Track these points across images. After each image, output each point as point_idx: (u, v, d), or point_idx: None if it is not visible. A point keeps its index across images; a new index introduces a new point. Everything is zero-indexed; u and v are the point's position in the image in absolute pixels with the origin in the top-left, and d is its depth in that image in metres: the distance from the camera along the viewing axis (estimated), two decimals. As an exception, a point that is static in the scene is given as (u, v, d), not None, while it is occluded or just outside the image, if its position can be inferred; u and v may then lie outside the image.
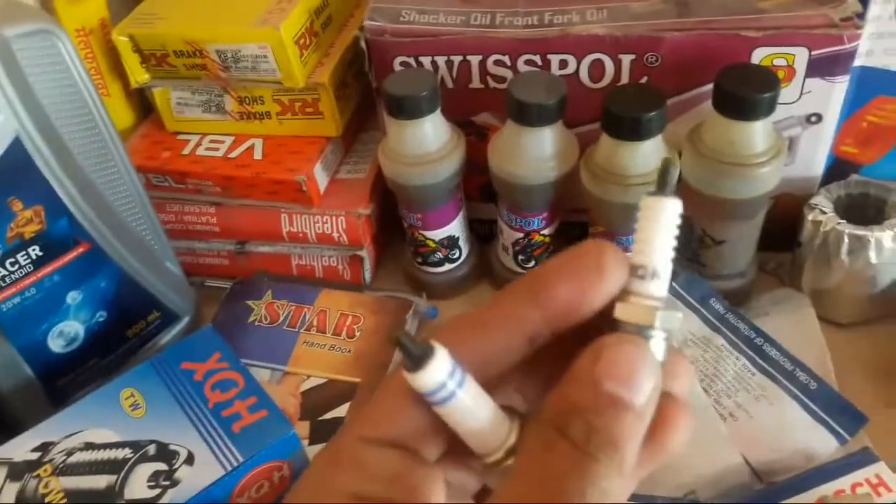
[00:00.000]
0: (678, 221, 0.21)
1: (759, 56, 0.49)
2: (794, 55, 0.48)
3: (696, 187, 0.50)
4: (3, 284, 0.46)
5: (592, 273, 0.20)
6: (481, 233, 0.61)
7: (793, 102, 0.51)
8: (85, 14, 0.57)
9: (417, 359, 0.20)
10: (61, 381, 0.52)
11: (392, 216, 0.62)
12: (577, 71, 0.51)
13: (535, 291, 0.21)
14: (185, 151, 0.59)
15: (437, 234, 0.56)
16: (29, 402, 0.51)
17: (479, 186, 0.58)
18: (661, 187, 0.21)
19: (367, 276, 0.61)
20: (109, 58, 0.59)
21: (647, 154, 0.47)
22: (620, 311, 0.20)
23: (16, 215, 0.45)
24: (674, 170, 0.21)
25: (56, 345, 0.51)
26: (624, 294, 0.21)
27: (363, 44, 0.52)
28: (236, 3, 0.56)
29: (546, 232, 0.55)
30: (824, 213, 0.51)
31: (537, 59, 0.50)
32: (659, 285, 0.20)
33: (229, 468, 0.43)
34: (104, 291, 0.52)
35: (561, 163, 0.50)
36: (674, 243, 0.21)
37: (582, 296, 0.20)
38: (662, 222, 0.20)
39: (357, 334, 0.56)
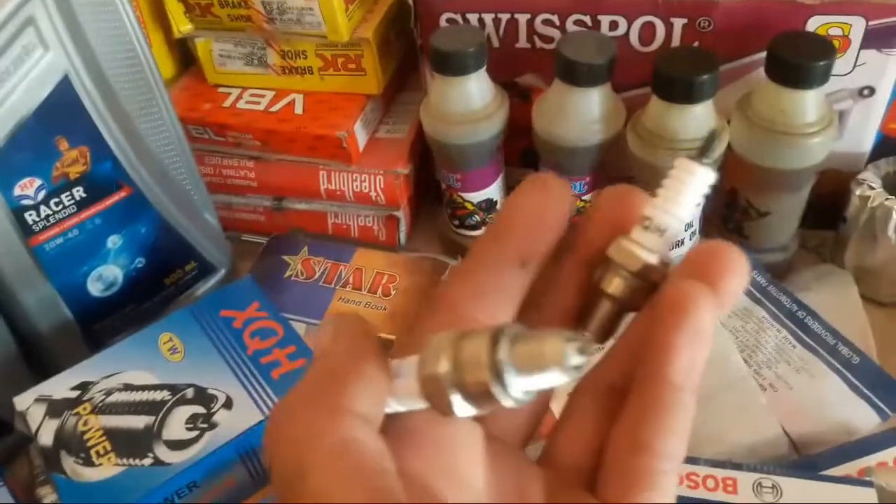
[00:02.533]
0: (705, 191, 0.20)
1: (814, 24, 0.48)
2: (850, 25, 0.47)
3: (744, 156, 0.49)
4: (47, 224, 0.47)
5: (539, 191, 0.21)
6: (518, 199, 0.61)
7: (846, 74, 0.50)
8: (131, -39, 0.57)
9: (708, 146, 0.21)
10: (98, 325, 0.53)
11: (428, 178, 0.62)
12: (627, 33, 0.50)
13: (501, 231, 0.21)
14: (226, 104, 0.59)
15: (476, 197, 0.56)
16: (66, 344, 0.51)
17: (518, 151, 0.58)
18: (702, 152, 0.20)
19: (403, 237, 0.61)
20: (153, 6, 0.59)
21: (698, 118, 0.46)
22: (611, 248, 0.20)
23: (62, 155, 0.45)
24: (719, 141, 0.21)
25: (95, 288, 0.51)
26: (623, 237, 0.21)
27: (410, -1, 0.52)
28: (283, -44, 0.55)
29: (587, 197, 0.54)
30: (872, 188, 0.51)
31: (587, 19, 0.50)
32: (657, 240, 0.20)
33: (268, 413, 0.43)
34: (144, 238, 0.52)
35: (607, 125, 0.49)
36: (693, 211, 0.20)
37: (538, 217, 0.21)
38: (689, 185, 0.20)
39: (393, 293, 0.56)
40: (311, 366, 0.20)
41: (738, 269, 0.19)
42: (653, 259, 0.20)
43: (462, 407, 0.18)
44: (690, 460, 0.41)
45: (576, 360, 0.16)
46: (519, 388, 0.17)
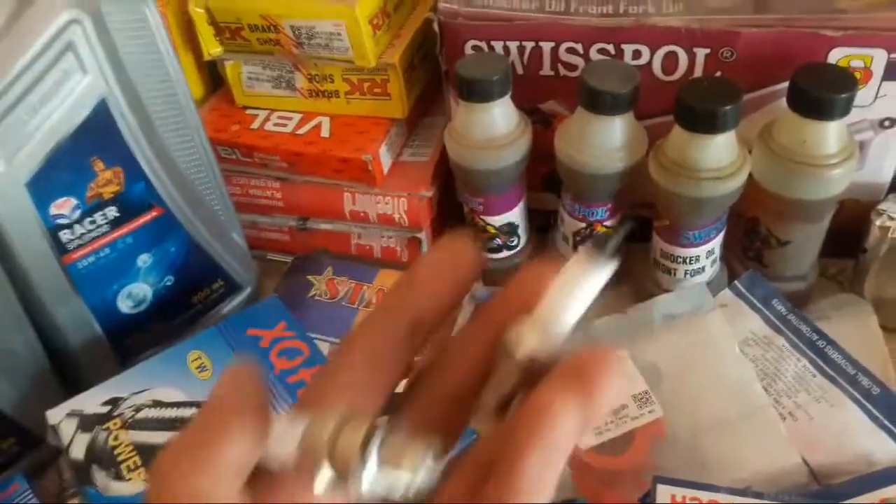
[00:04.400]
0: (600, 287, 0.20)
1: (836, 56, 0.48)
2: (872, 57, 0.48)
3: (765, 186, 0.50)
4: (81, 242, 0.48)
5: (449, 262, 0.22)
6: (539, 223, 0.62)
7: (867, 105, 0.50)
8: (164, -15, 0.59)
9: (601, 243, 0.20)
10: (127, 342, 0.54)
11: (449, 201, 0.63)
12: (650, 62, 0.51)
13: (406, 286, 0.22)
14: (254, 126, 0.60)
15: (498, 220, 0.57)
16: (96, 360, 0.52)
17: (541, 175, 0.59)
18: (600, 246, 0.20)
19: (424, 258, 0.62)
20: (183, 29, 0.60)
21: (720, 148, 0.47)
22: (507, 330, 0.20)
23: (97, 175, 0.47)
24: (623, 232, 0.21)
25: (125, 305, 0.53)
26: (520, 321, 0.20)
27: (436, 26, 0.53)
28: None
29: (608, 223, 0.55)
30: (893, 218, 0.51)
31: (611, 48, 0.51)
32: (540, 337, 0.20)
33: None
34: (173, 257, 0.53)
35: (629, 153, 0.50)
36: (583, 308, 0.20)
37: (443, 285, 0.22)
38: (582, 283, 0.20)
39: (414, 314, 0.56)
40: (196, 414, 0.21)
41: (609, 380, 0.19)
42: (535, 352, 0.20)
43: (323, 481, 0.19)
44: (711, 488, 0.41)
45: (428, 467, 0.19)
46: (378, 482, 0.19)
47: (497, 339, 0.21)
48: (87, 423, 0.46)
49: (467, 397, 0.22)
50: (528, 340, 0.20)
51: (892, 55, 0.47)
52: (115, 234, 0.49)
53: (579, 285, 0.20)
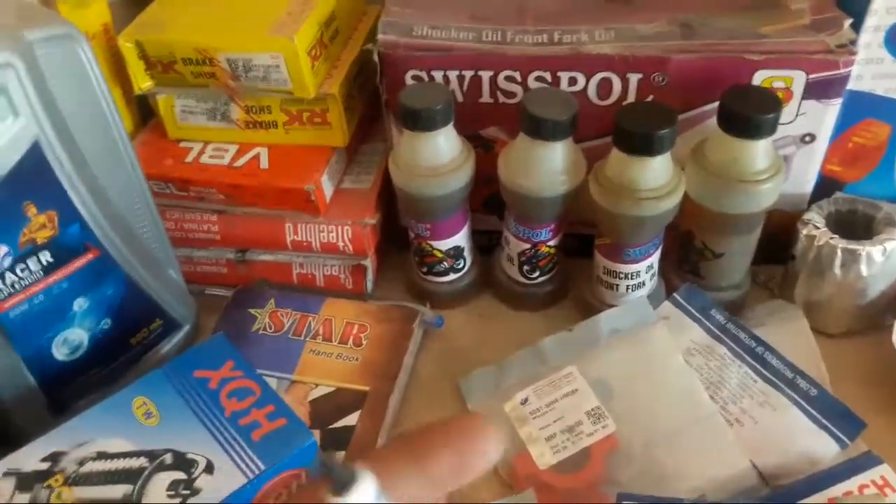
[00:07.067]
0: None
1: (759, 78, 0.51)
2: (792, 78, 0.51)
3: (699, 201, 0.52)
4: (13, 291, 0.45)
5: (475, 443, 0.22)
6: (482, 244, 0.62)
7: (789, 123, 0.53)
8: (88, 19, 0.57)
9: (342, 483, 0.19)
10: (63, 391, 0.51)
11: (391, 226, 0.63)
12: (585, 88, 0.52)
13: (419, 457, 0.22)
14: (189, 159, 0.59)
15: (445, 245, 0.57)
16: (31, 412, 0.50)
17: (482, 198, 0.59)
18: (339, 487, 0.19)
19: (370, 285, 0.62)
20: (112, 63, 0.58)
21: (658, 169, 0.48)
22: None
23: (29, 220, 0.44)
24: (332, 463, 0.20)
25: (60, 353, 0.50)
26: None
27: (376, 57, 0.53)
28: (243, 14, 0.56)
29: (552, 243, 0.56)
30: (818, 227, 0.54)
31: (547, 75, 0.52)
32: None
33: (251, 476, 0.43)
34: (110, 299, 0.51)
35: (571, 176, 0.51)
36: None
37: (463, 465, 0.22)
38: None
39: (364, 342, 0.56)
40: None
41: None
42: None
43: None
44: (674, 501, 0.42)
45: None
46: None
47: None
48: (26, 481, 0.44)
49: None
50: None
51: (811, 76, 0.50)
52: (50, 280, 0.47)
53: None
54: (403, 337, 0.57)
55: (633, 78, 0.51)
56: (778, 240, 0.58)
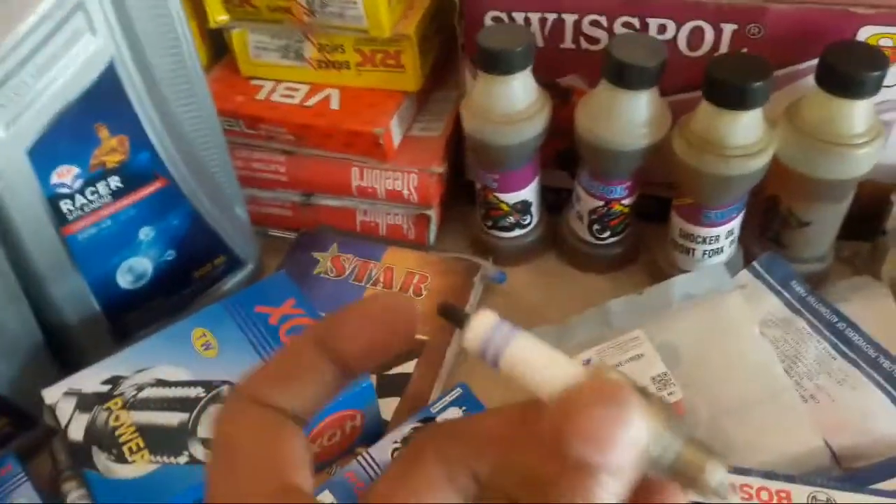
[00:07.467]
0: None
1: (864, 34, 0.47)
2: (901, 36, 0.47)
3: (789, 165, 0.49)
4: (82, 213, 0.46)
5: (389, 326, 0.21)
6: (550, 201, 0.60)
7: (894, 86, 0.49)
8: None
9: (464, 317, 0.20)
10: (125, 318, 0.52)
11: (456, 179, 0.61)
12: (675, 37, 0.49)
13: (328, 343, 0.21)
14: (260, 97, 0.58)
15: (512, 198, 0.55)
16: (93, 336, 0.50)
17: (555, 153, 0.57)
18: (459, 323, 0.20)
19: (432, 236, 0.60)
20: (188, -6, 0.58)
21: (748, 125, 0.46)
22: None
23: (101, 142, 0.44)
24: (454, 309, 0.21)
25: (124, 280, 0.50)
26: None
27: (455, -4, 0.51)
28: (322, -52, 0.55)
29: (626, 202, 0.54)
30: (915, 201, 0.50)
31: (636, 21, 0.49)
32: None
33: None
34: (176, 230, 0.51)
35: (654, 129, 0.49)
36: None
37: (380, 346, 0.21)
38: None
39: (424, 293, 0.55)
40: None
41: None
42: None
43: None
44: (742, 471, 0.40)
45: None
46: None
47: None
48: (86, 402, 0.44)
49: None
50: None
51: (921, 34, 0.47)
52: (118, 206, 0.47)
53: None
54: (464, 290, 0.55)
55: (727, 28, 0.48)
56: (867, 214, 0.54)
